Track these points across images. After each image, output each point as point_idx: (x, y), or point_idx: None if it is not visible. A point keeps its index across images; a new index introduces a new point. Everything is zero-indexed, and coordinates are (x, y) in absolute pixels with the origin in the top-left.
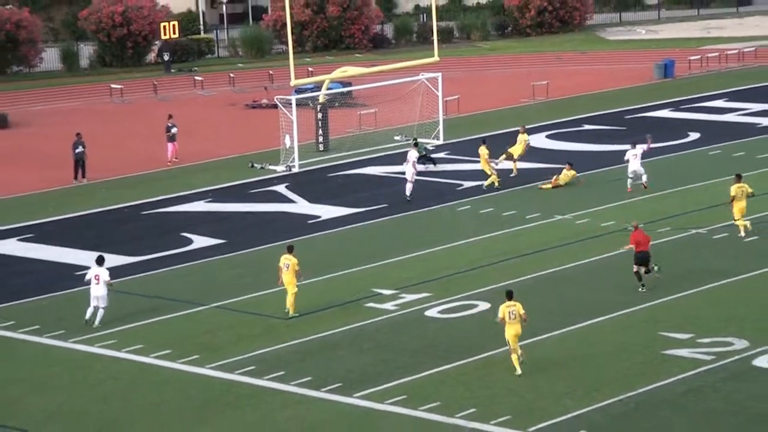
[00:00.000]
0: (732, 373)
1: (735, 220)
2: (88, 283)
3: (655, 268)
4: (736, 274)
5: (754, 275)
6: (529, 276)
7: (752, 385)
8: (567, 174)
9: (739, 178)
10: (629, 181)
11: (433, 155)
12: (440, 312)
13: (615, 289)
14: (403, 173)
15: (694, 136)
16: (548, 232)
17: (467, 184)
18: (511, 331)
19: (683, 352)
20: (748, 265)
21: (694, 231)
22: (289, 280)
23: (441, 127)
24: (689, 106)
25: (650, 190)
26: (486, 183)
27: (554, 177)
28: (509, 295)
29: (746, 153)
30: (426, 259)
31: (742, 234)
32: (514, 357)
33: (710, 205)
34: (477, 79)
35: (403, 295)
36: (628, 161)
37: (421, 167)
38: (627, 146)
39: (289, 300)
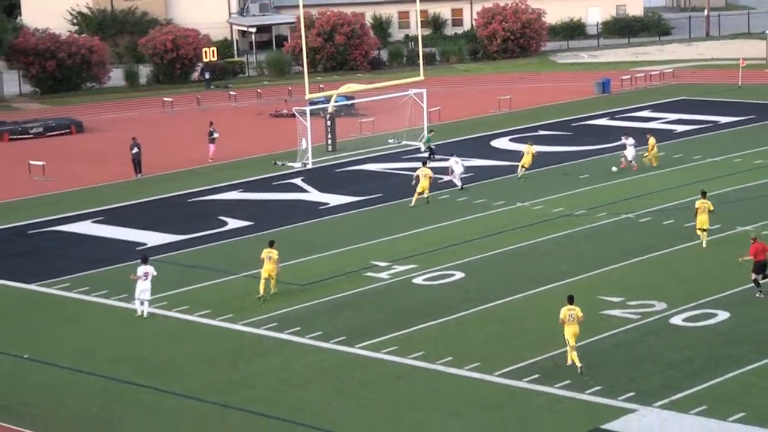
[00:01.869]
0: (653, 329)
1: (696, 230)
2: (137, 279)
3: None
4: (658, 249)
5: (671, 251)
6: (495, 251)
7: (669, 339)
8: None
9: (704, 195)
10: (622, 159)
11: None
12: (425, 280)
13: (562, 263)
14: (394, 169)
15: (628, 141)
16: (511, 216)
17: (446, 177)
18: (570, 331)
19: (616, 312)
20: (667, 243)
21: (624, 215)
22: (270, 269)
23: (425, 132)
24: (622, 115)
25: (590, 182)
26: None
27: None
28: (570, 300)
29: (666, 153)
30: (413, 238)
31: (704, 245)
32: (573, 354)
33: (637, 195)
34: (454, 94)
35: (395, 266)
36: (625, 147)
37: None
38: (575, 147)
39: (262, 285)
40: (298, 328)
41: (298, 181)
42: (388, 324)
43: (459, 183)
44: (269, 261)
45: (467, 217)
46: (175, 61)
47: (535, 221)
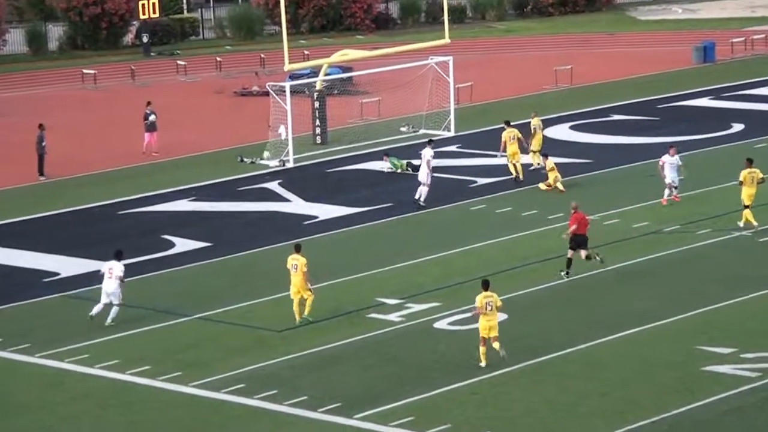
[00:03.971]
0: None
1: (743, 208)
2: (102, 277)
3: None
4: None
5: None
6: (551, 283)
7: None
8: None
9: (750, 162)
10: (666, 192)
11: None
12: (450, 324)
13: (650, 297)
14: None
15: (737, 127)
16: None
17: (481, 180)
18: (486, 322)
19: (724, 369)
20: None
21: (737, 233)
22: (297, 282)
23: (452, 117)
24: (732, 93)
25: (689, 187)
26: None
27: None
28: (486, 285)
29: None
30: (435, 265)
31: (741, 225)
32: (482, 350)
33: (756, 204)
34: (492, 63)
35: (409, 304)
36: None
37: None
38: (663, 138)
39: (296, 306)
40: (273, 392)
41: (273, 185)
42: (400, 385)
43: (422, 192)
44: (295, 272)
45: (512, 236)
46: (100, 19)
47: (607, 240)
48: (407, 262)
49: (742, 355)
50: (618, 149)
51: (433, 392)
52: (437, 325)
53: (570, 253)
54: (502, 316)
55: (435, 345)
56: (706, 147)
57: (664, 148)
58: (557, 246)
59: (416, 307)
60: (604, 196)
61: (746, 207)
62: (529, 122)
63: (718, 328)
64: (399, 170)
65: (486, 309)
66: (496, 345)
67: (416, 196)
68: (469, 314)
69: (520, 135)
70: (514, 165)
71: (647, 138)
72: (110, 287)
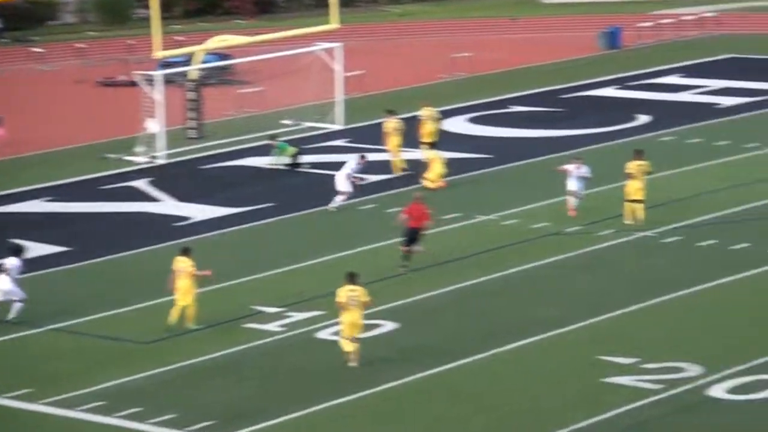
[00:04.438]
0: (683, 405)
1: (626, 201)
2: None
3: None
4: (688, 285)
5: (709, 287)
6: (445, 289)
7: (706, 419)
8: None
9: (639, 154)
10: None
11: (302, 159)
12: (335, 334)
13: (548, 304)
14: (294, 165)
15: (643, 119)
16: (469, 235)
17: (371, 178)
18: (348, 318)
19: (626, 380)
20: (703, 275)
21: (640, 233)
22: (183, 287)
23: (341, 108)
24: (638, 83)
25: (592, 184)
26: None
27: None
28: (351, 278)
29: (704, 139)
30: (319, 270)
31: (628, 221)
32: (346, 344)
33: (661, 203)
34: (385, 50)
35: (290, 313)
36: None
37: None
38: (567, 130)
39: (175, 312)
40: (138, 409)
41: (141, 183)
42: (280, 401)
43: (337, 199)
44: (181, 276)
45: (397, 239)
46: None
47: (505, 243)
48: (289, 267)
49: (644, 366)
50: (519, 143)
51: (317, 407)
52: (320, 335)
53: (404, 248)
54: (394, 325)
55: (319, 356)
56: (611, 140)
57: (567, 142)
58: (453, 248)
59: (298, 316)
60: (503, 194)
61: (632, 201)
62: (423, 114)
63: (620, 336)
64: (285, 158)
65: (349, 304)
66: (355, 349)
67: (331, 205)
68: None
69: (403, 126)
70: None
71: (550, 131)
72: (4, 285)
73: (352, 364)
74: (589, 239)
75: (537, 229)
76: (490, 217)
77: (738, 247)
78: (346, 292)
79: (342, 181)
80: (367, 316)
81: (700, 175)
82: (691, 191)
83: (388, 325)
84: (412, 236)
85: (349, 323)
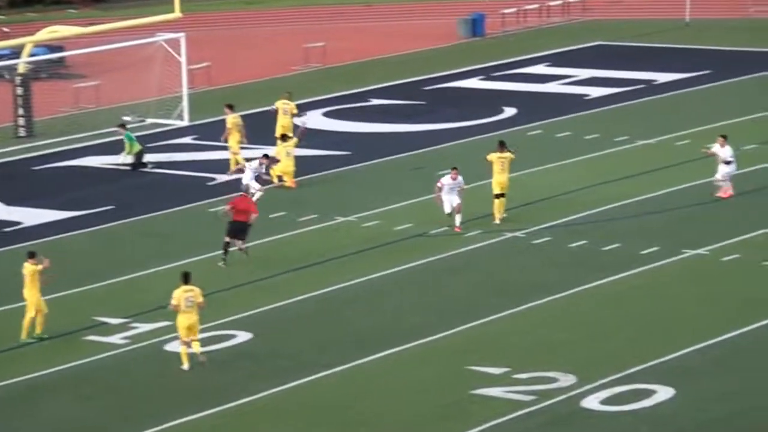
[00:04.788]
0: (556, 417)
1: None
2: None
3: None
4: (560, 289)
5: (581, 290)
6: (303, 296)
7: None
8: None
9: (502, 146)
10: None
11: (146, 155)
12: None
13: (412, 311)
14: (135, 165)
15: (509, 111)
16: (327, 238)
17: (221, 177)
18: (185, 321)
19: (496, 392)
20: (575, 277)
21: (509, 234)
22: (32, 295)
23: (185, 103)
24: (504, 73)
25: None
26: None
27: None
28: (186, 278)
29: (572, 133)
30: (165, 278)
31: (497, 221)
32: (183, 349)
33: (529, 202)
34: (233, 40)
35: (135, 324)
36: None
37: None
38: (429, 125)
39: (27, 321)
40: None
41: None
42: (123, 419)
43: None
44: (31, 282)
45: (257, 242)
46: None
47: (366, 246)
48: (133, 275)
49: (515, 376)
50: (379, 139)
51: (165, 426)
52: (169, 347)
53: (227, 239)
54: (247, 336)
55: (166, 370)
56: (476, 135)
57: (430, 137)
58: (310, 253)
59: (143, 327)
60: (363, 193)
61: (496, 197)
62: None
63: (490, 344)
64: (127, 153)
65: (185, 305)
66: (196, 347)
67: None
68: (207, 334)
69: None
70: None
71: (412, 125)
72: None
73: (185, 366)
74: (455, 241)
75: (400, 231)
76: (350, 218)
77: (609, 247)
78: (181, 293)
79: (253, 184)
80: (219, 327)
81: (568, 171)
82: (560, 188)
83: (241, 336)
84: (236, 230)
85: (186, 326)
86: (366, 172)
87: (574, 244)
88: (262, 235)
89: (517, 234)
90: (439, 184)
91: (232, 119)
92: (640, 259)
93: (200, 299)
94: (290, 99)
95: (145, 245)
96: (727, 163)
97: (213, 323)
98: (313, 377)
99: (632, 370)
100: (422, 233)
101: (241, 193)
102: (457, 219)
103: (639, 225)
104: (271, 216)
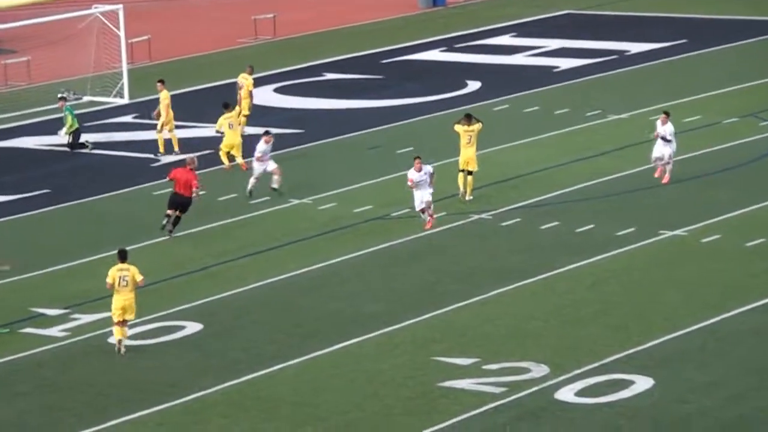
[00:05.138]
0: (528, 410)
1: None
2: None
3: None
4: (530, 274)
5: (554, 275)
6: (256, 284)
7: (555, 426)
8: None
9: (468, 119)
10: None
11: (84, 135)
12: (131, 338)
13: (373, 298)
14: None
15: (473, 85)
16: (281, 222)
17: (166, 158)
18: (120, 301)
19: (464, 384)
20: (547, 261)
21: (475, 216)
22: None
23: (125, 80)
24: (467, 44)
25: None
26: None
27: None
28: (123, 256)
29: (541, 107)
30: (109, 265)
31: (466, 197)
32: (117, 330)
33: (497, 181)
34: (175, 11)
35: (76, 315)
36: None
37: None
38: (388, 101)
39: None
40: None
41: None
42: (63, 418)
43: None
44: None
45: (205, 226)
46: None
47: (323, 230)
48: (72, 263)
49: (484, 367)
50: (334, 116)
51: (107, 424)
52: (113, 340)
53: (168, 211)
54: (197, 327)
55: (110, 365)
56: (439, 111)
57: (390, 114)
58: (263, 237)
59: (85, 318)
60: (318, 174)
61: (461, 171)
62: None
63: (457, 333)
64: (67, 131)
65: (119, 284)
66: (120, 332)
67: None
68: (153, 326)
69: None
70: (164, 135)
71: (369, 101)
72: None
73: (123, 351)
74: (418, 224)
75: (359, 214)
76: (304, 200)
77: (582, 229)
78: (115, 272)
79: (257, 166)
80: (166, 317)
81: (538, 148)
82: (529, 167)
83: (190, 327)
84: (176, 203)
85: (121, 306)
86: (321, 152)
87: (545, 226)
88: (212, 218)
89: (484, 216)
90: (409, 182)
91: (166, 95)
92: (616, 240)
93: (138, 278)
94: (251, 73)
95: (84, 231)
96: (666, 141)
97: (160, 313)
98: (268, 370)
99: (609, 359)
100: (383, 216)
101: (189, 163)
102: (426, 214)
103: (614, 205)
104: (220, 198)
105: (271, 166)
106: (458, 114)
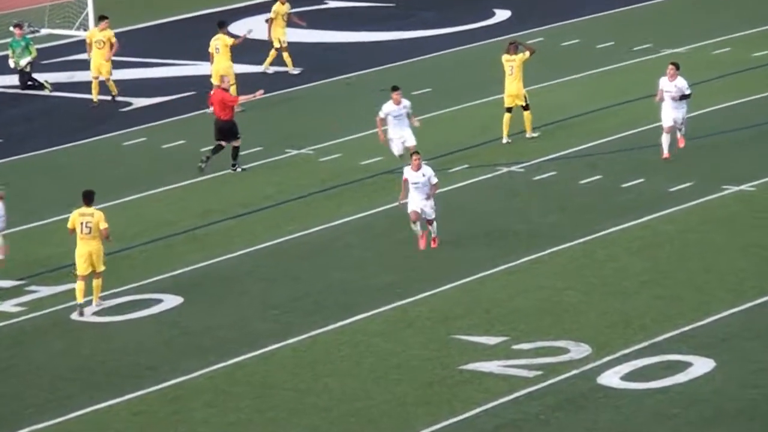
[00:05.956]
0: (567, 398)
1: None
2: None
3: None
4: (567, 238)
5: (595, 239)
6: (245, 249)
7: (597, 416)
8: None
9: (515, 47)
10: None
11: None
12: (98, 314)
13: (384, 267)
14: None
15: (502, 14)
16: (276, 176)
17: (139, 101)
18: (83, 248)
19: (491, 366)
20: (587, 222)
21: (504, 169)
22: None
23: (90, 9)
24: None
25: (437, 102)
26: None
27: None
28: (87, 199)
29: (581, 40)
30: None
31: (505, 140)
32: (80, 287)
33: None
34: None
35: (33, 287)
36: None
37: None
38: (399, 33)
39: None
40: None
41: None
42: (22, 407)
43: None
44: None
45: (188, 182)
46: None
47: (326, 186)
48: (29, 226)
49: (514, 347)
50: (338, 51)
51: (72, 415)
52: (76, 315)
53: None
54: (176, 300)
55: (74, 346)
56: (460, 45)
57: (403, 48)
58: (255, 195)
59: (44, 291)
60: (319, 120)
61: (507, 111)
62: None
63: (481, 308)
64: (16, 62)
65: (82, 232)
66: (96, 286)
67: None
68: (125, 299)
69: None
70: (101, 81)
71: (379, 33)
72: None
73: (79, 316)
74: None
75: (367, 167)
76: (304, 151)
77: (629, 183)
78: (76, 217)
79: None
80: (142, 289)
81: (577, 88)
82: (567, 110)
83: (168, 300)
84: (218, 130)
85: (83, 254)
86: (323, 94)
87: (585, 180)
88: (195, 173)
89: (514, 168)
90: (381, 114)
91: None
92: (669, 197)
93: (102, 225)
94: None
95: (43, 188)
96: (683, 97)
97: (132, 285)
98: (260, 351)
99: (661, 337)
100: (395, 169)
101: (221, 84)
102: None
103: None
104: (204, 149)
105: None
106: (485, 48)
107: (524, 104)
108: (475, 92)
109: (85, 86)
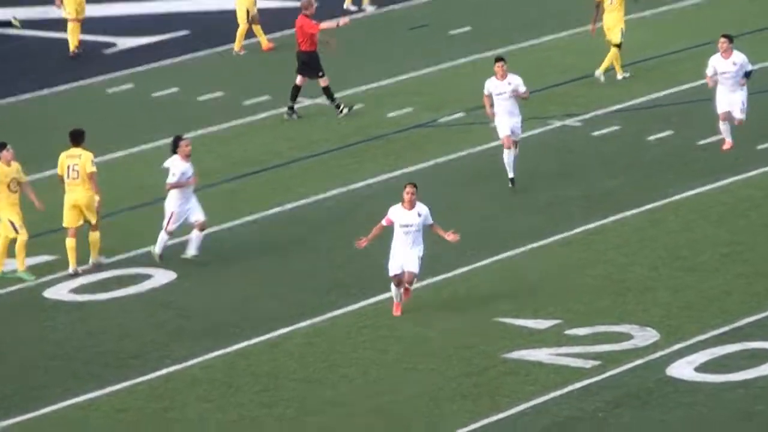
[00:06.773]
0: (630, 392)
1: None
2: None
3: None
4: (630, 204)
5: (664, 205)
6: (248, 217)
7: (666, 413)
8: None
9: None
10: None
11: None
12: (74, 291)
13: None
14: None
15: None
16: (286, 130)
17: (125, 41)
18: (71, 197)
19: (540, 355)
20: (655, 186)
21: (557, 123)
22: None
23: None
24: None
25: (506, 39)
26: None
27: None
28: (75, 138)
29: None
30: (49, 190)
31: (621, 74)
32: (70, 244)
33: (587, 73)
34: None
35: (8, 261)
36: None
37: None
38: None
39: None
40: None
41: None
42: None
43: None
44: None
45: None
46: None
47: (345, 141)
48: None
49: (567, 332)
50: None
51: (46, 410)
52: (50, 293)
53: (299, 79)
54: (168, 276)
55: (49, 329)
56: None
57: None
58: (262, 151)
59: (12, 264)
60: (338, 64)
61: (617, 46)
62: None
63: (529, 286)
64: None
65: (69, 176)
66: (93, 240)
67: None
68: (108, 274)
69: None
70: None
71: None
72: None
73: (75, 269)
74: (476, 133)
75: (395, 120)
76: (319, 101)
77: (707, 141)
78: (64, 159)
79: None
80: (129, 262)
81: (646, 27)
82: (634, 54)
83: (159, 276)
84: (300, 65)
85: (71, 204)
86: (342, 34)
87: (654, 137)
88: (190, 126)
89: (569, 122)
90: (486, 92)
91: None
92: (755, 157)
93: (89, 168)
94: None
95: (11, 143)
96: (747, 75)
97: (117, 257)
98: (267, 337)
99: (742, 322)
100: (427, 122)
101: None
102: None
103: (753, 106)
104: (201, 98)
105: None
106: None
107: (613, 41)
108: (524, 34)
109: (62, 23)
